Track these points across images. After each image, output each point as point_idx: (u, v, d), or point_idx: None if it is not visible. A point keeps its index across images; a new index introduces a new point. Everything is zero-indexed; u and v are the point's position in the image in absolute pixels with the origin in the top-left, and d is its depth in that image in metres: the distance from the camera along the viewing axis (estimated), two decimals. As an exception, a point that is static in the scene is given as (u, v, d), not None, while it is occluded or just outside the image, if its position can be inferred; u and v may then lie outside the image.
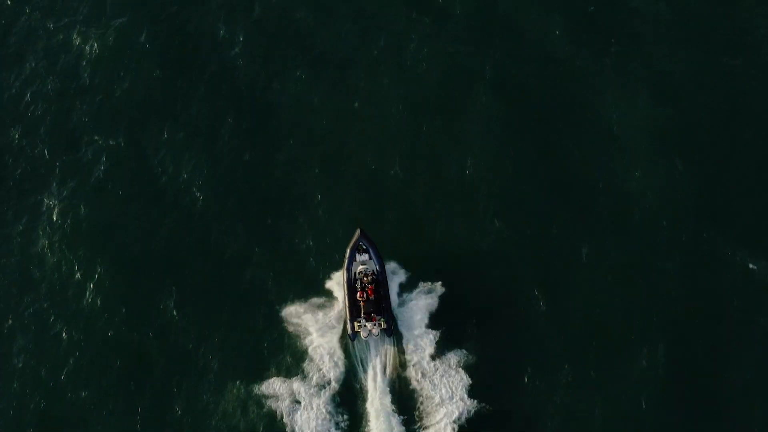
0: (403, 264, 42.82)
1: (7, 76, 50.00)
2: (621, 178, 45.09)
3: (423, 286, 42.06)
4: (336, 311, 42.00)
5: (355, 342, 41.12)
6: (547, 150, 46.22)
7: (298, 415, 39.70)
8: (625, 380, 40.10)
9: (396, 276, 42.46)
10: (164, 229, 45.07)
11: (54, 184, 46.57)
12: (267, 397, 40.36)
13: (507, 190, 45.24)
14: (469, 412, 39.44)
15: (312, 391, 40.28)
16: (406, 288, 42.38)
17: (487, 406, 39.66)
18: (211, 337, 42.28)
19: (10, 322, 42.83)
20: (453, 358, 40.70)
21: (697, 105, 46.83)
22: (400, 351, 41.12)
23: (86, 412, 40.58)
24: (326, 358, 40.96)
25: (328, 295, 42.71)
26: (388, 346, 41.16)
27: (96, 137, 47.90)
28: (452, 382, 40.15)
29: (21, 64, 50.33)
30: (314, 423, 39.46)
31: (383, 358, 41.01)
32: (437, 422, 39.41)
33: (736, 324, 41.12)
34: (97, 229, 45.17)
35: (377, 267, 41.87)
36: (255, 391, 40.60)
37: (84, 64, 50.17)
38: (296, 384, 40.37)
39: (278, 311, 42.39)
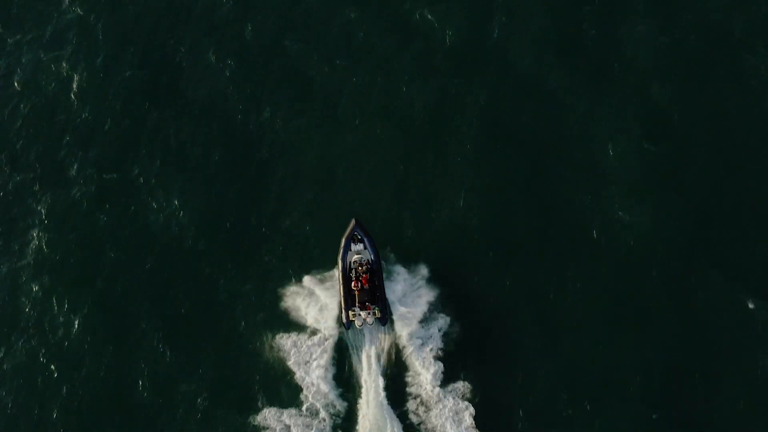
0: (397, 253, 43.34)
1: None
2: (612, 212, 44.30)
3: (416, 275, 42.61)
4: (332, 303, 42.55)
5: (349, 331, 41.60)
6: (537, 183, 45.43)
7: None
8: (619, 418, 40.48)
9: (390, 265, 42.94)
10: (152, 262, 44.58)
11: (40, 216, 46.07)
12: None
13: (497, 224, 44.67)
14: (460, 398, 40.24)
15: (305, 383, 40.88)
16: (399, 278, 42.80)
17: (479, 394, 40.49)
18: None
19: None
20: (446, 347, 41.32)
21: (689, 139, 45.93)
22: (394, 340, 41.58)
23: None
24: (321, 347, 41.50)
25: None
26: (383, 335, 41.63)
27: (83, 170, 47.05)
28: (445, 369, 40.70)
29: (8, 94, 49.53)
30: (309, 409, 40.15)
31: (377, 347, 41.49)
32: (430, 409, 40.09)
33: (728, 358, 40.84)
34: (83, 263, 44.73)
35: (372, 257, 42.23)
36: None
37: (72, 95, 49.25)
38: (292, 373, 41.09)
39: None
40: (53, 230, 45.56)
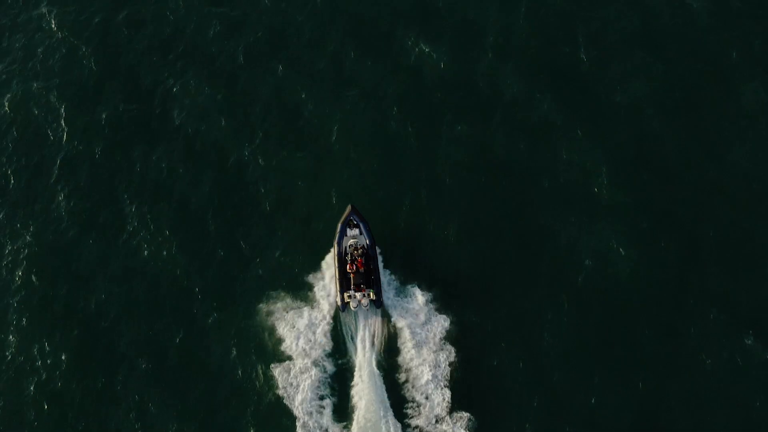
0: (393, 240, 44.51)
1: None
2: (603, 244, 44.34)
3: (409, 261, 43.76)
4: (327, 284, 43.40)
5: (344, 313, 42.23)
6: (527, 214, 45.58)
7: (288, 383, 40.79)
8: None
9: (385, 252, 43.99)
10: (139, 294, 44.25)
11: (25, 247, 45.86)
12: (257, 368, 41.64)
13: (486, 258, 44.63)
14: (452, 376, 40.68)
15: (301, 361, 41.21)
16: (394, 261, 43.94)
17: (472, 376, 40.92)
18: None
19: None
20: (439, 330, 41.82)
21: (681, 171, 46.33)
22: (389, 322, 42.21)
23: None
24: (316, 329, 42.04)
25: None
26: (377, 318, 42.22)
27: (69, 200, 47.14)
28: (438, 352, 41.19)
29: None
30: (302, 394, 40.32)
31: (372, 329, 42.03)
32: (423, 390, 40.35)
33: (721, 394, 40.31)
34: (67, 295, 44.32)
35: (367, 242, 43.29)
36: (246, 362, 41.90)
37: (59, 125, 49.84)
38: (287, 353, 41.56)
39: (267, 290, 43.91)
40: (38, 262, 45.14)
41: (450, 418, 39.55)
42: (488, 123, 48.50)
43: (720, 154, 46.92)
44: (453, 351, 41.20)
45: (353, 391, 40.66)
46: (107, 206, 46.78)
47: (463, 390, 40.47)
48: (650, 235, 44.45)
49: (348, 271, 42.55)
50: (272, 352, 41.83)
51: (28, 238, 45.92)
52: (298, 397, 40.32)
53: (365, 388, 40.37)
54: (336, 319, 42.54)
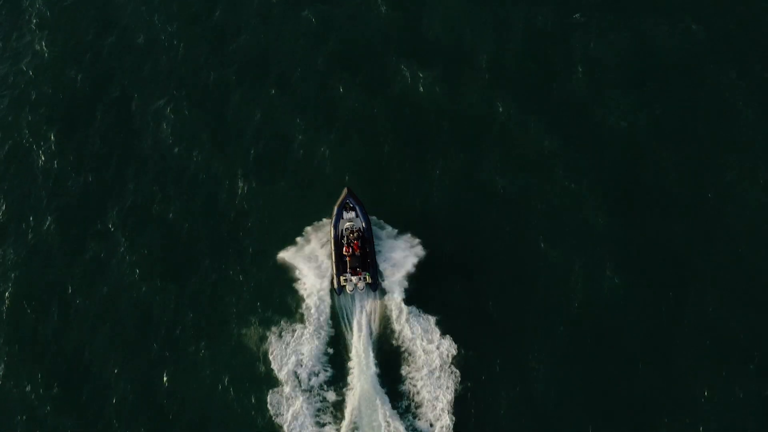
0: (388, 221, 44.52)
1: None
2: (593, 277, 43.38)
3: (406, 242, 43.62)
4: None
5: (340, 296, 42.35)
6: (516, 245, 44.56)
7: (283, 368, 41.01)
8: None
9: (381, 232, 44.07)
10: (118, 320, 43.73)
11: (3, 268, 45.44)
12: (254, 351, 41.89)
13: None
14: (448, 360, 40.73)
15: (297, 344, 41.45)
16: (389, 243, 43.96)
17: (466, 356, 41.01)
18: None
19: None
20: (433, 314, 41.91)
21: (674, 203, 45.19)
22: (384, 305, 42.27)
23: None
24: (312, 312, 42.20)
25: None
26: (373, 300, 42.35)
27: (42, 229, 46.39)
28: (433, 335, 41.26)
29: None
30: (297, 378, 40.66)
31: (368, 312, 42.16)
32: (418, 374, 40.48)
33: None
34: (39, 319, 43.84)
35: (363, 224, 43.26)
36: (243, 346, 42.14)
37: (38, 147, 49.29)
38: (283, 337, 41.75)
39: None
40: (23, 292, 44.53)
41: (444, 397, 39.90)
42: (481, 149, 47.44)
43: (715, 181, 45.66)
44: (449, 339, 41.32)
45: (348, 374, 40.90)
46: (94, 234, 45.89)
47: (459, 371, 40.65)
48: (643, 263, 43.39)
49: (344, 254, 42.65)
50: (267, 336, 42.19)
51: (12, 265, 45.36)
52: (293, 381, 40.63)
53: (360, 371, 40.55)
54: (332, 302, 42.69)
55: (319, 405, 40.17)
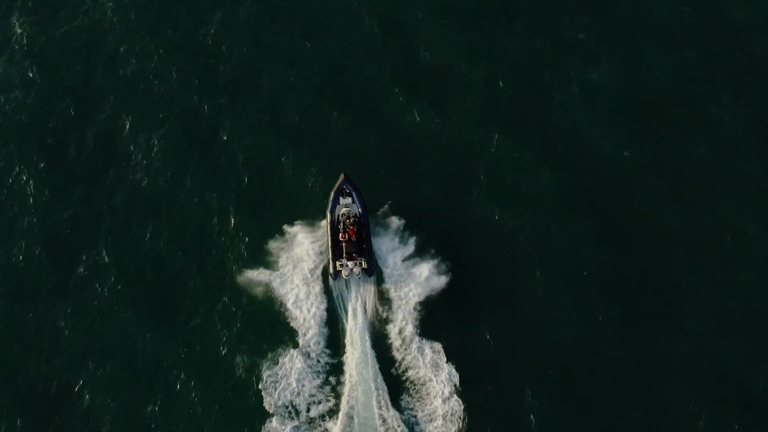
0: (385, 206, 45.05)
1: None
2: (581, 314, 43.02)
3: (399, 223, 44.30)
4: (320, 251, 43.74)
5: (336, 281, 42.51)
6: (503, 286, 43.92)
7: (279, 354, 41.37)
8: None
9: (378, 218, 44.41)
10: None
11: None
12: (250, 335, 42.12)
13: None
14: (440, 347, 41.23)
15: (293, 329, 41.78)
16: (385, 229, 44.41)
17: (461, 342, 41.49)
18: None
19: None
20: (429, 299, 42.37)
21: (663, 238, 44.91)
22: (380, 291, 42.58)
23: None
24: (309, 297, 42.42)
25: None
26: (369, 286, 42.59)
27: (20, 264, 45.05)
28: (428, 321, 41.71)
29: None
30: (294, 363, 40.77)
31: (363, 298, 42.40)
32: (412, 358, 40.85)
33: None
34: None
35: (360, 210, 43.46)
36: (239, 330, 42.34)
37: (16, 179, 48.00)
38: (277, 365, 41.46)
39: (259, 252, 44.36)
40: (2, 312, 43.68)
41: (440, 382, 40.19)
42: (473, 177, 47.02)
43: (710, 212, 45.56)
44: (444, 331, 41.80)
45: (344, 358, 41.09)
46: (82, 266, 44.69)
47: (454, 354, 41.00)
48: (637, 296, 43.13)
49: (340, 239, 42.79)
50: (263, 318, 42.43)
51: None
52: (289, 364, 40.80)
53: (356, 355, 40.76)
54: (327, 287, 42.93)
55: (315, 388, 40.37)
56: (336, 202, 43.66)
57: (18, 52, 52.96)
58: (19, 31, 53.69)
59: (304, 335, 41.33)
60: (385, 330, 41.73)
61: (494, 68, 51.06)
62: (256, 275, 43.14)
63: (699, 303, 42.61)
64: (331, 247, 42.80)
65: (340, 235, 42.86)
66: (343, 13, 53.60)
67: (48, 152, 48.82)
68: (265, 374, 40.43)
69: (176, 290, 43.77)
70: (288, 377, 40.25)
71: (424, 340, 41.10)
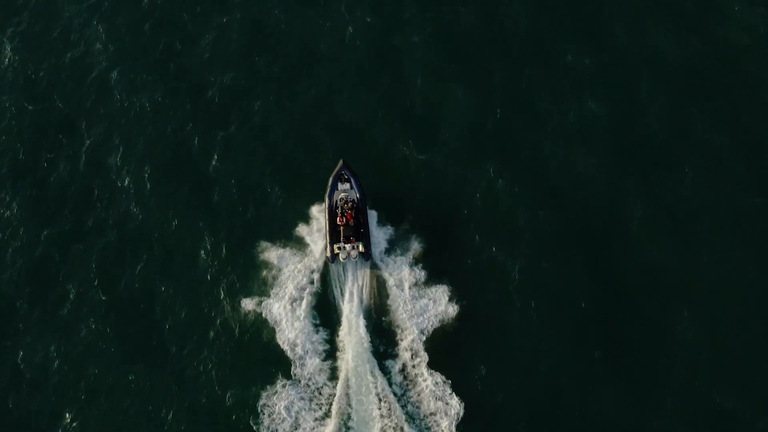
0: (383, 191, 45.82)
1: None
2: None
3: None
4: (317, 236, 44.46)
5: (333, 264, 43.26)
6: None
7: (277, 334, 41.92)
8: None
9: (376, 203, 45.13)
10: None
11: None
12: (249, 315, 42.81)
13: None
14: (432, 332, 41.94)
15: (289, 313, 42.35)
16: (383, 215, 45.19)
17: (455, 328, 42.10)
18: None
19: None
20: (426, 284, 43.13)
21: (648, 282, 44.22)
22: (377, 275, 43.25)
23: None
24: (306, 280, 43.24)
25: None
26: (365, 270, 43.27)
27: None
28: (424, 306, 42.39)
29: None
30: (290, 343, 41.48)
31: (360, 282, 43.09)
32: (407, 343, 41.47)
33: None
34: None
35: (358, 195, 44.36)
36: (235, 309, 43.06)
37: None
38: (276, 306, 42.46)
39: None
40: None
41: (428, 367, 40.71)
42: (463, 214, 46.34)
43: (699, 248, 44.91)
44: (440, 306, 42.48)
45: (340, 341, 41.78)
46: (64, 306, 43.92)
47: (445, 341, 41.67)
48: (629, 342, 42.51)
49: (338, 223, 43.52)
50: (254, 349, 42.53)
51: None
52: (286, 347, 41.49)
53: (352, 338, 41.40)
54: (325, 271, 43.62)
55: (312, 373, 41.00)
56: (334, 187, 44.39)
57: (8, 78, 52.30)
58: (8, 58, 53.04)
59: (300, 367, 40.98)
60: (382, 314, 42.53)
61: (488, 98, 50.12)
62: (247, 304, 42.76)
63: (692, 340, 42.04)
64: (329, 231, 43.48)
65: (338, 219, 43.59)
66: (338, 41, 52.65)
67: (30, 188, 47.89)
68: (259, 404, 40.16)
69: (164, 325, 43.14)
70: (281, 405, 40.06)
71: (422, 370, 40.92)
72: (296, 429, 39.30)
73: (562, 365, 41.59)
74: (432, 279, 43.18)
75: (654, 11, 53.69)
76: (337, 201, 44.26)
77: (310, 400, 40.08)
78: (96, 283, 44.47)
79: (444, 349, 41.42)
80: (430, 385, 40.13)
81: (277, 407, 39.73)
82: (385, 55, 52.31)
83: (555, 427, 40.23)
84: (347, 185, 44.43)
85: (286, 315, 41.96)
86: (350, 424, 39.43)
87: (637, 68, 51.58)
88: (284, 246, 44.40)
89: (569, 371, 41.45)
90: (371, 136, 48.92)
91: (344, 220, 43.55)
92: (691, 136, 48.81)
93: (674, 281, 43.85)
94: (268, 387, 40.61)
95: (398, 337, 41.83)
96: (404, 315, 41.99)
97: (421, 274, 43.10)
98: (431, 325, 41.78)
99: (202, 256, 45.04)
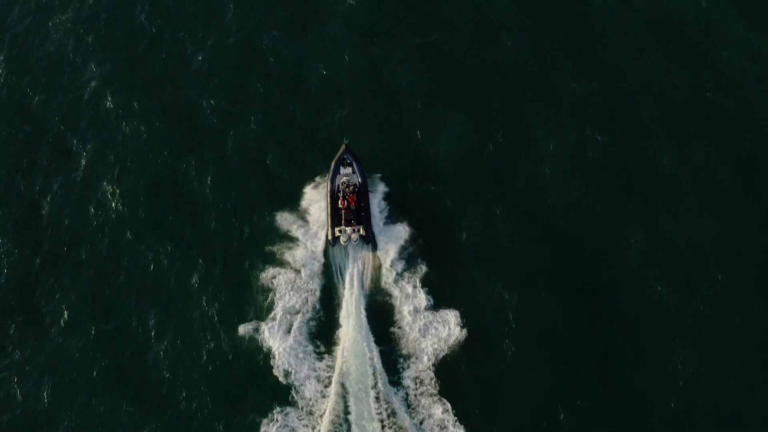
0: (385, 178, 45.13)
1: None
2: None
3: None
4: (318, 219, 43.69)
5: (334, 247, 42.45)
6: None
7: (274, 316, 40.88)
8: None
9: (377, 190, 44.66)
10: None
11: None
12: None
13: None
14: (431, 317, 40.88)
15: (289, 294, 41.40)
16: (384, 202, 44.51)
17: (452, 314, 41.03)
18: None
19: None
20: (423, 272, 42.16)
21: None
22: (377, 259, 42.43)
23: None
24: (305, 265, 42.19)
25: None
26: (366, 253, 42.56)
27: None
28: (422, 291, 41.51)
29: None
30: (288, 327, 40.38)
31: (360, 265, 42.28)
32: (405, 327, 40.47)
33: None
34: None
35: (359, 180, 43.64)
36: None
37: None
38: (270, 330, 40.77)
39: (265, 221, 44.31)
40: None
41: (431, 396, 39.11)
42: (457, 246, 44.59)
43: (699, 288, 42.94)
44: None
45: (339, 325, 40.76)
46: (44, 332, 42.30)
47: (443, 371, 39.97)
48: (618, 373, 40.74)
49: (339, 206, 43.08)
50: (259, 287, 42.02)
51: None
52: (284, 331, 40.34)
53: (351, 322, 40.43)
54: (326, 254, 42.82)
55: (309, 354, 39.87)
56: (336, 171, 44.06)
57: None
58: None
59: (298, 392, 39.36)
60: (382, 297, 41.42)
61: (485, 126, 48.40)
62: (241, 330, 40.97)
63: (690, 377, 40.24)
64: (331, 214, 43.04)
65: (340, 202, 43.15)
66: (333, 65, 51.07)
67: (27, 204, 46.48)
68: None
69: (158, 352, 41.40)
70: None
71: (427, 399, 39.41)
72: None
73: (557, 398, 39.70)
74: (437, 305, 41.56)
75: (654, 39, 52.15)
76: (339, 185, 43.71)
77: (313, 429, 38.22)
78: (88, 309, 42.59)
79: (444, 377, 39.71)
80: (435, 414, 38.53)
81: None
82: (381, 81, 50.68)
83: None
84: (349, 169, 44.13)
85: (281, 339, 40.16)
86: None
87: (636, 97, 49.85)
88: (279, 267, 42.81)
89: (565, 404, 39.55)
90: (366, 161, 45.78)
91: (345, 203, 43.11)
92: (691, 166, 46.85)
93: (673, 316, 41.90)
94: (267, 414, 38.72)
95: (400, 320, 40.84)
96: (412, 341, 40.37)
97: (422, 300, 41.44)
98: (440, 352, 39.98)
99: (194, 281, 43.12)
